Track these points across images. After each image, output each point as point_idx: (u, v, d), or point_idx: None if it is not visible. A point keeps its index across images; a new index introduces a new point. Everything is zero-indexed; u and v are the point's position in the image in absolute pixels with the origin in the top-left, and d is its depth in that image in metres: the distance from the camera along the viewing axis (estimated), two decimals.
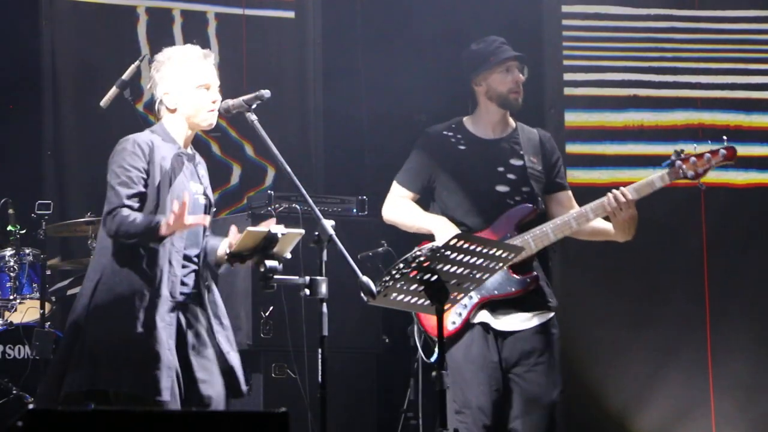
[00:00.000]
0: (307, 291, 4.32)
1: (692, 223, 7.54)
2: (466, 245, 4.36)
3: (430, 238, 5.24)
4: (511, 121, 5.48)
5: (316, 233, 4.35)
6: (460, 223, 5.28)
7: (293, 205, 6.71)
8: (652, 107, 7.70)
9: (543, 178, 5.38)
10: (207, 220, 4.63)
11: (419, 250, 4.34)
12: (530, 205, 5.27)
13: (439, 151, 5.40)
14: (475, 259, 4.41)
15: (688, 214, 7.51)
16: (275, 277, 4.37)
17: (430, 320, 5.20)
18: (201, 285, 4.70)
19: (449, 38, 7.80)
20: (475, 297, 5.13)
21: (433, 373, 4.33)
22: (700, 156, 5.18)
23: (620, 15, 7.76)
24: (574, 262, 7.33)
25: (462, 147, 5.38)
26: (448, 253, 4.34)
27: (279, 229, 4.40)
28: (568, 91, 7.69)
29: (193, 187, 4.73)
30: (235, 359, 4.75)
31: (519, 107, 5.41)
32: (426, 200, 5.52)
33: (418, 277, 4.34)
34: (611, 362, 7.47)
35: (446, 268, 4.36)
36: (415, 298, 4.43)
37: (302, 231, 4.50)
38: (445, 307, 4.44)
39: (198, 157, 4.84)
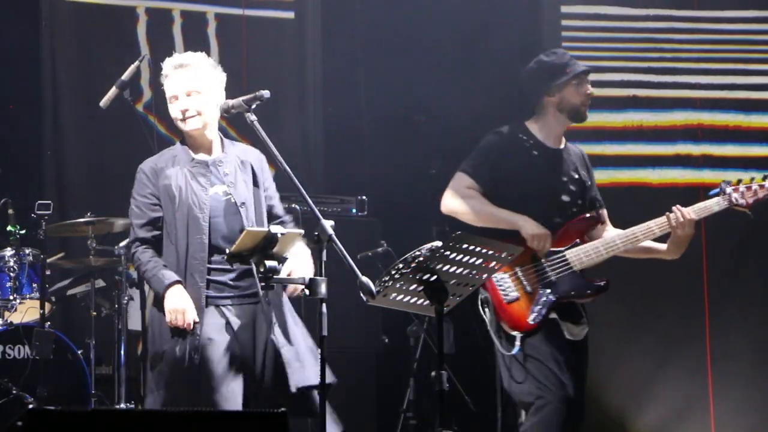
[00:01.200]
0: (307, 291, 4.33)
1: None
2: (466, 245, 4.36)
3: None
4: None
5: (316, 233, 4.35)
6: None
7: (293, 205, 6.71)
8: (652, 107, 7.71)
9: (589, 192, 5.51)
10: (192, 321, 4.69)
11: (419, 250, 4.35)
12: (596, 215, 5.44)
13: (514, 154, 5.43)
14: (475, 259, 4.41)
15: None
16: (275, 277, 4.38)
17: (512, 313, 5.23)
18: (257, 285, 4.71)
19: (449, 38, 7.81)
20: (553, 296, 5.25)
21: (433, 373, 4.34)
22: (749, 187, 5.42)
23: (619, 15, 7.76)
24: None
25: (534, 153, 5.44)
26: (448, 253, 4.34)
27: (278, 229, 4.40)
28: None
29: (218, 190, 4.81)
30: (286, 353, 4.74)
31: (586, 119, 5.54)
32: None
33: (417, 277, 4.35)
34: (611, 362, 7.46)
35: (446, 268, 4.37)
36: (415, 298, 4.44)
37: (302, 231, 4.51)
38: (445, 307, 4.44)
39: (226, 157, 4.89)
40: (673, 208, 5.34)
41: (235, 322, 4.70)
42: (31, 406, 6.25)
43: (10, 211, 6.92)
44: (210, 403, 4.57)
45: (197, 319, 4.64)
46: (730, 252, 7.57)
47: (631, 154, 7.67)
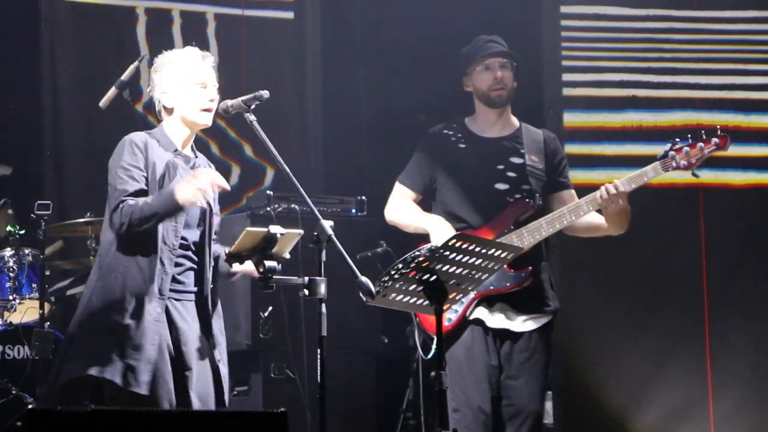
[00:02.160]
0: (306, 291, 4.33)
1: (691, 223, 7.54)
2: (464, 245, 4.36)
3: (427, 238, 5.26)
4: (515, 120, 5.51)
5: (315, 233, 4.35)
6: (460, 220, 5.31)
7: (292, 205, 6.72)
8: (651, 108, 7.71)
9: (544, 177, 5.41)
10: (222, 182, 4.57)
11: (418, 251, 4.35)
12: (528, 201, 5.31)
13: (440, 150, 5.44)
14: (474, 259, 4.41)
15: (687, 215, 7.51)
16: (274, 277, 4.38)
17: (428, 318, 5.22)
18: (203, 285, 4.71)
19: (449, 39, 7.80)
20: (471, 293, 5.13)
21: (433, 373, 4.33)
22: (692, 145, 5.25)
23: (619, 15, 7.76)
24: (573, 263, 7.34)
25: (462, 145, 5.42)
26: (447, 253, 4.34)
27: (278, 230, 4.40)
28: (566, 91, 7.69)
29: None
30: (224, 371, 4.73)
31: (503, 103, 5.44)
32: (427, 200, 5.53)
33: (417, 278, 4.35)
34: (611, 362, 7.47)
35: (445, 268, 4.37)
36: (414, 299, 4.44)
37: (301, 231, 4.51)
38: (444, 307, 4.44)
39: (199, 160, 4.84)
40: (603, 185, 5.20)
41: (178, 318, 4.68)
42: (30, 406, 6.25)
43: (10, 211, 6.92)
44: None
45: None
46: (730, 252, 7.57)
47: (631, 154, 7.67)
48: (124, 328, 4.56)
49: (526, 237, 5.22)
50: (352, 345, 6.81)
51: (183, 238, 4.68)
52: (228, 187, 4.61)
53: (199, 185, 4.50)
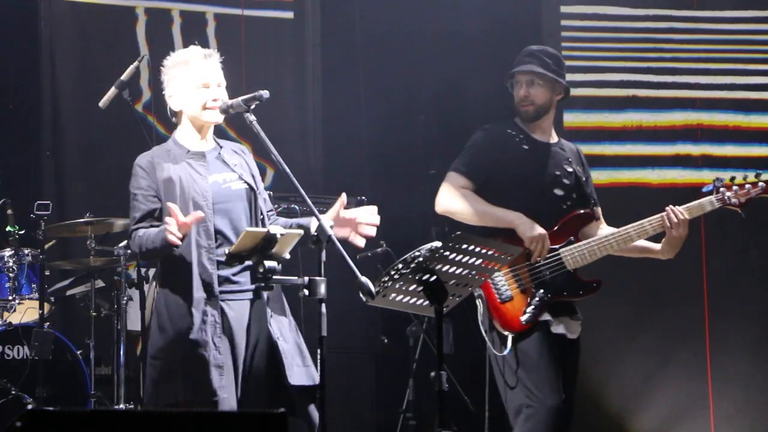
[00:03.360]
0: (306, 291, 4.32)
1: (691, 223, 7.53)
2: (465, 245, 4.36)
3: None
4: (554, 131, 5.57)
5: (315, 233, 4.35)
6: None
7: (292, 205, 6.72)
8: (651, 107, 7.71)
9: (585, 188, 5.50)
10: (200, 214, 4.60)
11: (418, 251, 4.35)
12: (590, 212, 5.44)
13: (504, 149, 5.43)
14: (474, 259, 4.41)
15: None
16: (274, 277, 4.37)
17: (506, 314, 5.22)
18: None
19: (449, 39, 7.81)
20: (546, 296, 5.24)
21: (432, 374, 4.33)
22: (741, 186, 5.41)
23: (619, 15, 7.76)
24: None
25: (525, 146, 5.44)
26: (447, 253, 4.34)
27: (278, 230, 4.40)
28: None
29: (219, 178, 4.78)
30: (284, 346, 4.72)
31: (529, 119, 5.49)
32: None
33: (417, 278, 4.34)
34: (610, 362, 7.47)
35: (445, 268, 4.36)
36: (414, 299, 4.43)
37: (301, 231, 4.50)
38: (445, 308, 4.44)
39: (225, 149, 4.88)
40: (667, 208, 5.33)
41: (233, 318, 4.70)
42: (30, 407, 6.25)
43: (9, 212, 6.91)
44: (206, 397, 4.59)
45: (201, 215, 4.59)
46: (730, 252, 7.57)
47: (631, 155, 7.67)
48: (180, 346, 4.62)
49: (595, 249, 5.34)
50: (352, 345, 6.81)
51: (222, 235, 4.70)
52: (200, 216, 4.59)
53: (171, 229, 4.50)
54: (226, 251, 4.52)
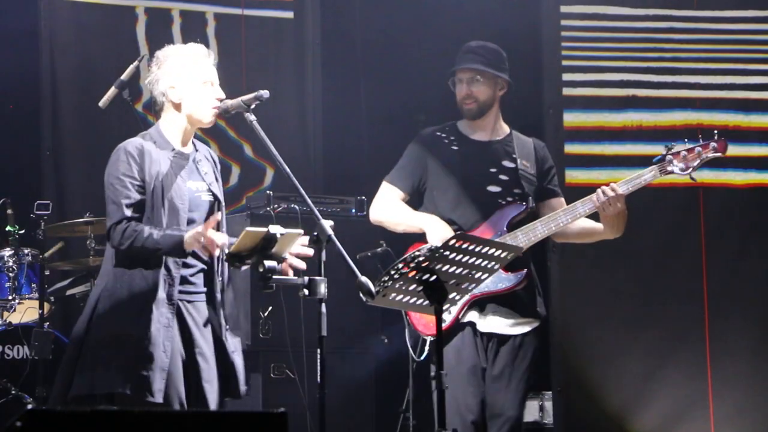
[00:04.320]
0: (306, 291, 4.32)
1: (691, 223, 7.54)
2: (464, 245, 4.36)
3: (422, 238, 5.26)
4: (506, 126, 5.54)
5: (315, 233, 4.35)
6: (452, 221, 5.31)
7: (292, 205, 6.71)
8: (651, 107, 7.70)
9: (536, 182, 5.42)
10: (215, 221, 4.58)
11: (418, 251, 4.35)
12: (522, 204, 5.32)
13: (432, 151, 5.44)
14: (474, 259, 4.41)
15: (686, 215, 7.50)
16: (274, 277, 4.37)
17: (420, 319, 5.22)
18: (213, 285, 4.71)
19: (448, 38, 7.80)
20: (465, 295, 5.14)
21: (432, 374, 4.33)
22: (690, 149, 5.25)
23: (619, 15, 7.75)
24: (572, 263, 7.33)
25: (454, 147, 5.43)
26: (447, 253, 4.34)
27: (278, 230, 4.40)
28: (566, 91, 7.69)
29: (193, 186, 4.73)
30: (238, 360, 4.77)
31: (473, 116, 5.44)
32: (413, 203, 5.52)
33: (416, 278, 4.35)
34: (610, 362, 7.46)
35: (445, 268, 4.37)
36: (414, 298, 4.44)
37: (301, 231, 4.50)
38: (444, 308, 4.44)
39: (199, 154, 4.83)
40: (599, 188, 5.20)
41: (191, 321, 4.68)
42: (30, 407, 6.24)
43: (9, 211, 6.91)
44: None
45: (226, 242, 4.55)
46: (730, 252, 7.56)
47: (631, 154, 7.66)
48: (133, 339, 4.56)
49: (520, 238, 5.22)
50: (352, 345, 6.81)
51: None
52: (225, 246, 4.56)
53: (207, 235, 4.48)
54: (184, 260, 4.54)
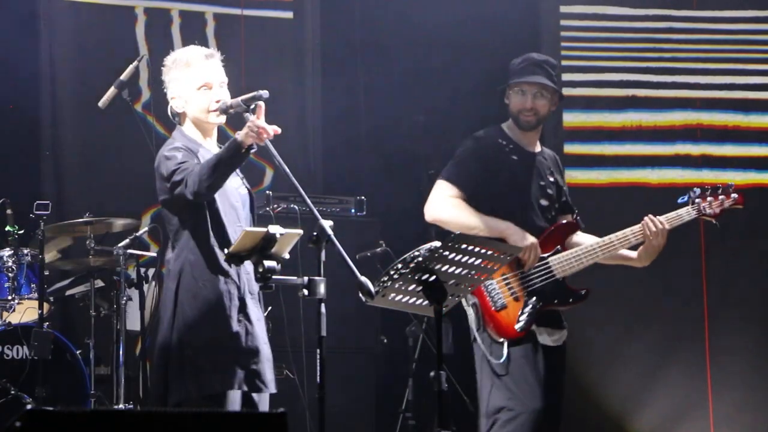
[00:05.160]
0: (306, 291, 4.32)
1: (691, 223, 7.53)
2: (464, 245, 4.36)
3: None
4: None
5: (315, 233, 4.35)
6: None
7: (291, 205, 6.72)
8: (651, 107, 7.71)
9: (564, 196, 5.51)
10: (275, 128, 4.53)
11: (418, 251, 4.34)
12: (574, 221, 5.44)
13: (495, 159, 5.40)
14: (474, 259, 4.41)
15: None
16: (274, 277, 4.37)
17: (500, 321, 5.22)
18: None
19: (448, 38, 7.81)
20: (539, 304, 5.24)
21: (432, 374, 4.33)
22: (715, 197, 5.47)
23: (618, 15, 7.76)
24: None
25: (514, 157, 5.42)
26: (447, 253, 4.34)
27: (277, 230, 4.40)
28: (566, 91, 7.64)
29: (234, 182, 4.79)
30: (268, 353, 4.80)
31: (530, 128, 5.45)
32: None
33: (416, 278, 4.34)
34: (610, 363, 7.47)
35: (444, 268, 4.36)
36: (414, 299, 4.43)
37: (301, 231, 4.50)
38: (444, 308, 4.44)
39: None
40: (646, 218, 5.35)
41: (255, 318, 4.73)
42: (29, 407, 6.25)
43: (9, 211, 6.91)
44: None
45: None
46: (730, 252, 7.57)
47: (630, 154, 7.67)
48: (233, 337, 4.60)
49: (583, 258, 5.34)
50: (352, 345, 6.81)
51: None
52: (279, 130, 4.51)
53: (258, 124, 4.46)
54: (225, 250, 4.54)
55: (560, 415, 5.38)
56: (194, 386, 4.55)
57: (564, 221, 5.43)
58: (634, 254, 5.48)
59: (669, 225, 5.38)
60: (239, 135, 4.48)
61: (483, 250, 4.42)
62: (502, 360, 5.19)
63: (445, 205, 5.40)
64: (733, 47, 7.77)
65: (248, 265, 4.61)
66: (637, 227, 5.36)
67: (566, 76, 7.68)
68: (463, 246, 4.36)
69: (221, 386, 4.55)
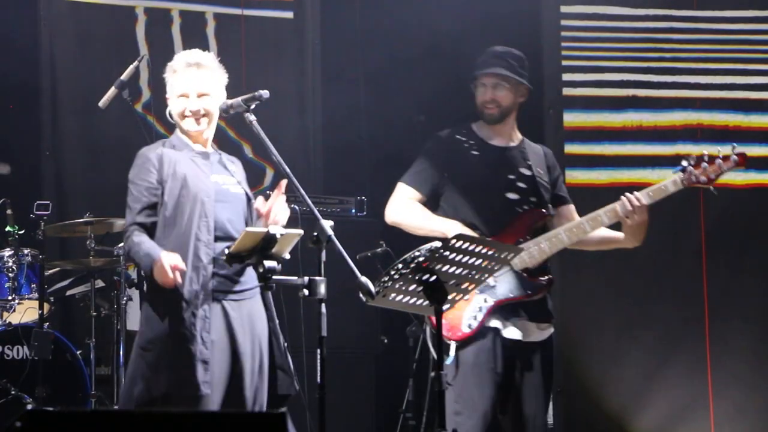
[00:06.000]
0: (306, 291, 4.32)
1: (691, 223, 7.54)
2: (465, 245, 4.36)
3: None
4: (518, 133, 5.51)
5: (315, 234, 4.35)
6: (473, 227, 5.28)
7: (292, 205, 6.64)
8: (651, 107, 7.70)
9: (550, 189, 5.42)
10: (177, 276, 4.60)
11: (418, 251, 4.34)
12: (542, 210, 5.31)
13: (453, 156, 5.38)
14: (474, 259, 4.41)
15: (687, 215, 7.51)
16: (274, 277, 4.37)
17: (446, 321, 5.17)
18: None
19: (448, 38, 7.80)
20: (490, 300, 5.15)
21: (432, 374, 4.33)
22: (711, 161, 5.24)
23: (619, 15, 7.76)
24: (572, 263, 7.33)
25: (474, 152, 5.39)
26: (447, 253, 4.34)
27: (278, 230, 4.40)
28: (566, 91, 7.69)
29: (219, 179, 4.82)
30: (279, 359, 4.84)
31: (494, 121, 5.40)
32: (429, 206, 5.49)
33: (416, 278, 4.34)
34: (610, 362, 7.47)
35: (445, 268, 4.36)
36: (414, 299, 4.43)
37: (301, 231, 4.51)
38: (444, 308, 4.44)
39: (224, 157, 4.95)
40: (623, 196, 5.19)
41: (235, 319, 4.71)
42: (30, 407, 6.25)
43: (9, 211, 6.91)
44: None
45: (185, 269, 4.59)
46: (730, 252, 7.56)
47: (631, 155, 7.67)
48: (168, 339, 4.62)
49: (544, 246, 5.22)
50: (352, 345, 6.81)
51: (221, 231, 4.71)
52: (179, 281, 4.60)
53: (165, 275, 4.54)
54: (226, 250, 4.53)
55: (541, 427, 5.25)
56: (145, 390, 4.61)
57: (525, 211, 5.30)
58: (621, 235, 5.30)
59: (650, 199, 5.19)
60: (155, 268, 4.56)
61: (484, 250, 4.42)
62: (448, 362, 5.12)
63: (399, 207, 5.43)
64: (733, 47, 7.76)
65: (208, 265, 4.65)
66: (610, 206, 5.20)
67: (566, 76, 7.68)
68: (464, 246, 4.36)
69: (156, 390, 4.60)
